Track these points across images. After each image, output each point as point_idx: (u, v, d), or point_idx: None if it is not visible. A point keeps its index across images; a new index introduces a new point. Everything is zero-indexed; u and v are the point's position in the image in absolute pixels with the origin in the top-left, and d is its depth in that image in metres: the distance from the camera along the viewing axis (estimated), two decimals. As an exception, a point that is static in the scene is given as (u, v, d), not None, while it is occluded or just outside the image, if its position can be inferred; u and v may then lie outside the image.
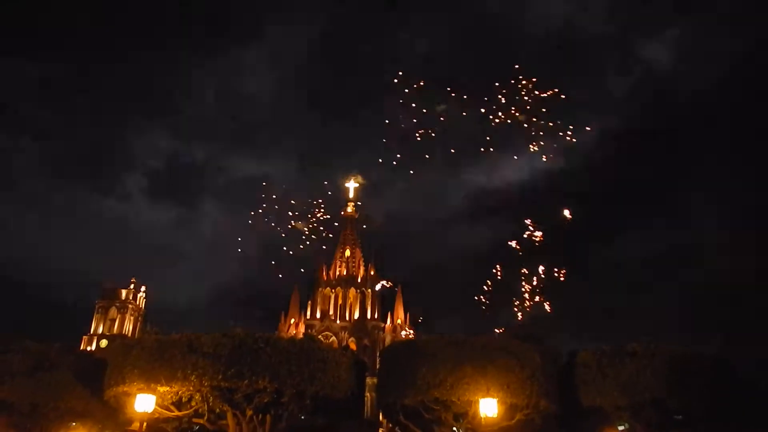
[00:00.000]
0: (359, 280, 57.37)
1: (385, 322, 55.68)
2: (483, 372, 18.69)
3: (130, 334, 59.26)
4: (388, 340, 51.62)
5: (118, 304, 62.60)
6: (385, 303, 56.86)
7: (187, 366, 17.65)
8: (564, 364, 20.87)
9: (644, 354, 18.86)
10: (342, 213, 62.20)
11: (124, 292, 63.63)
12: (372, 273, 57.15)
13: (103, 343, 57.65)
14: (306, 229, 55.89)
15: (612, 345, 20.05)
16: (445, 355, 19.17)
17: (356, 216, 62.21)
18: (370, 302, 55.58)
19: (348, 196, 62.73)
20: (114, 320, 61.70)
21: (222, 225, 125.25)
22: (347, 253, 59.59)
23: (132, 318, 63.15)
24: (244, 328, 18.69)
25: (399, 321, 55.93)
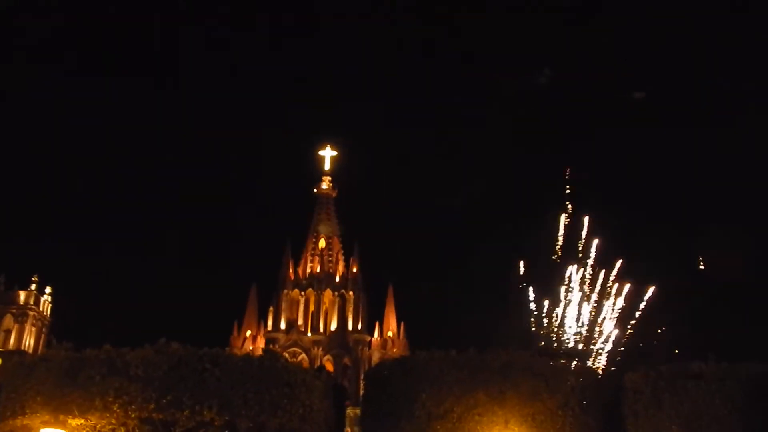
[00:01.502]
0: (338, 280, 57.57)
1: (372, 335, 56.03)
2: (500, 400, 18.86)
3: (31, 350, 59.52)
4: (375, 357, 52.12)
5: (14, 311, 62.45)
6: (372, 309, 57.18)
7: (108, 391, 17.63)
8: (608, 389, 21.14)
9: (713, 376, 19.13)
10: (314, 190, 62.11)
11: (22, 295, 63.40)
12: (355, 270, 57.26)
13: (-5, 361, 57.54)
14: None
15: (670, 365, 20.31)
16: (451, 378, 19.32)
17: (334, 194, 62.13)
18: (352, 308, 55.82)
19: (322, 167, 62.74)
20: (9, 332, 61.65)
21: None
22: (322, 243, 59.57)
23: (34, 329, 63.13)
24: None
25: (390, 333, 56.30)
